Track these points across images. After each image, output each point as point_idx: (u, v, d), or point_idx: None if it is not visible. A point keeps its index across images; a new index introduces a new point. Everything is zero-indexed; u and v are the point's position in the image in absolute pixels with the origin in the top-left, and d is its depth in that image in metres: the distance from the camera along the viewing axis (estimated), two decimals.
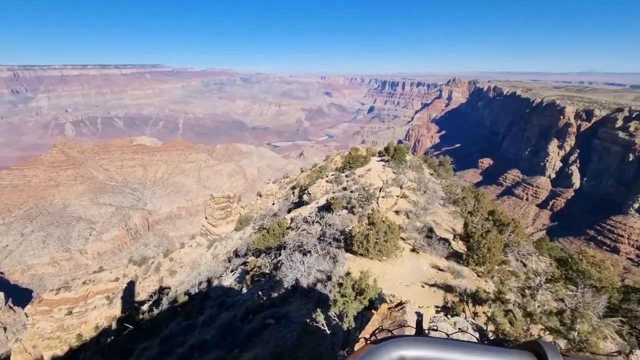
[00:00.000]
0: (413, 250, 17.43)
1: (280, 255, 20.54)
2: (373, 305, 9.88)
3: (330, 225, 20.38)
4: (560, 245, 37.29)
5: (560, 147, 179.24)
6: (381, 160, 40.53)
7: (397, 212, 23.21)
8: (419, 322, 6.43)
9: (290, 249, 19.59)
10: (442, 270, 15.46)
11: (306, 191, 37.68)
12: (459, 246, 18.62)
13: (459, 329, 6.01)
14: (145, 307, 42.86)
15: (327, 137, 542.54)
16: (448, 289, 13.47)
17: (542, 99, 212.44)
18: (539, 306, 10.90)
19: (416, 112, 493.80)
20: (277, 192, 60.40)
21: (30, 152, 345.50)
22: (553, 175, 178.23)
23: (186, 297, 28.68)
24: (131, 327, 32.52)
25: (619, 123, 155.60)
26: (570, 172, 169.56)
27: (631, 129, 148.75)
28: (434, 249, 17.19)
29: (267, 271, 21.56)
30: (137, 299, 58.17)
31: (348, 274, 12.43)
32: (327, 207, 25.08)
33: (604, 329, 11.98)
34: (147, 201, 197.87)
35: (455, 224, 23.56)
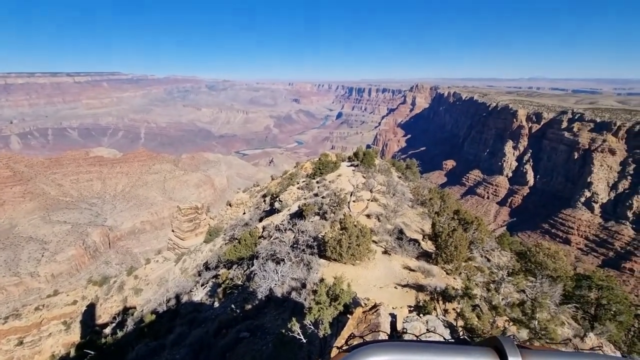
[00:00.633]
0: (385, 252, 17.79)
1: (252, 265, 20.09)
2: (348, 309, 9.92)
3: (303, 232, 20.28)
4: (519, 240, 39.82)
5: (515, 147, 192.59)
6: (351, 165, 41.18)
7: (368, 216, 23.62)
8: (393, 324, 6.55)
9: (263, 258, 19.23)
10: (413, 270, 15.90)
11: (277, 199, 37.33)
12: (428, 246, 19.29)
13: (427, 329, 6.24)
14: (108, 330, 39.94)
15: (297, 144, 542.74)
16: (420, 288, 13.87)
17: (497, 104, 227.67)
18: (503, 299, 11.52)
19: (383, 117, 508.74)
20: (248, 200, 59.28)
21: None
22: (510, 174, 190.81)
23: (153, 316, 27.09)
24: (92, 353, 30.08)
25: (564, 124, 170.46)
26: (524, 170, 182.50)
27: (575, 129, 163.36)
28: (405, 250, 17.65)
29: (240, 283, 20.98)
30: (99, 322, 54.13)
31: (322, 280, 12.41)
32: (299, 214, 24.99)
33: (561, 315, 12.90)
34: (107, 216, 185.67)
35: (424, 225, 24.40)
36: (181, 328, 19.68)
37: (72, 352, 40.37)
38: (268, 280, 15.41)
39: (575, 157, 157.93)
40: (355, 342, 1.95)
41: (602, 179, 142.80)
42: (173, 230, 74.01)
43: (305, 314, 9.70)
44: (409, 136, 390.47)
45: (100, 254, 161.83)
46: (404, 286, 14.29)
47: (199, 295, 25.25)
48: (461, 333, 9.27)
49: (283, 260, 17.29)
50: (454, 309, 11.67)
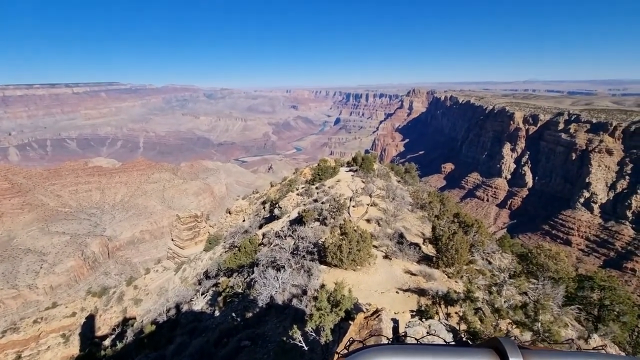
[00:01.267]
0: (386, 257, 17.71)
1: (253, 273, 19.97)
2: (350, 315, 9.84)
3: (303, 238, 20.20)
4: (520, 242, 39.75)
5: (512, 149, 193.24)
6: (350, 171, 41.22)
7: (368, 221, 23.57)
8: (395, 329, 6.50)
9: (263, 265, 19.12)
10: (414, 274, 15.81)
11: (277, 205, 37.26)
12: (429, 249, 19.21)
13: (427, 332, 6.21)
14: (107, 342, 39.52)
15: (296, 150, 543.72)
16: (421, 292, 13.78)
17: (494, 106, 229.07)
18: (505, 301, 11.44)
19: (380, 122, 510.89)
20: (247, 208, 59.15)
21: None
22: (509, 176, 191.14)
23: (153, 327, 26.81)
24: None
25: (561, 126, 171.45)
26: (523, 172, 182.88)
27: (571, 130, 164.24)
28: (405, 254, 17.57)
29: (240, 291, 20.82)
30: (98, 333, 53.49)
31: (323, 286, 12.33)
32: (299, 220, 24.92)
33: (564, 317, 12.80)
34: (106, 226, 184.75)
35: (424, 228, 24.34)
36: (181, 338, 19.49)
37: None
38: (269, 288, 15.30)
39: (573, 158, 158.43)
40: (355, 346, 2.00)
41: (600, 179, 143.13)
42: (172, 239, 73.63)
43: (307, 320, 9.61)
44: (407, 140, 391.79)
45: (99, 264, 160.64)
46: (406, 291, 14.19)
47: (199, 304, 25.03)
48: (464, 337, 9.20)
49: (283, 267, 17.20)
50: (456, 313, 11.58)
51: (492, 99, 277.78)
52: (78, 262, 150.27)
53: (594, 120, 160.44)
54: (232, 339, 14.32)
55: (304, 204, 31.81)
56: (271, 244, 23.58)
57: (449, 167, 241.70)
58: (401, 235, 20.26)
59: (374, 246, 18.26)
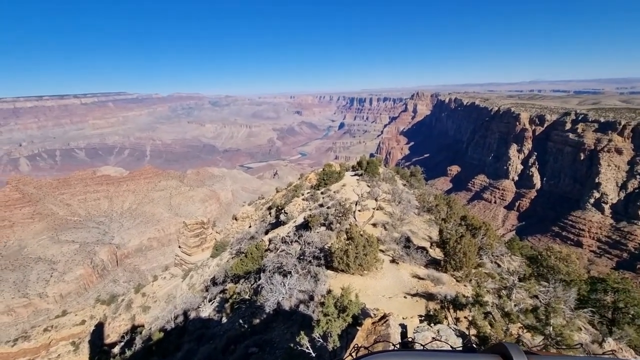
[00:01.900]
0: (393, 261, 17.57)
1: (260, 279, 19.95)
2: (357, 321, 9.75)
3: (309, 243, 20.16)
4: (530, 244, 39.16)
5: (519, 150, 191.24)
6: (355, 175, 41.17)
7: (374, 225, 23.45)
8: (403, 334, 6.42)
9: (270, 271, 19.09)
10: (422, 278, 15.64)
11: (283, 211, 37.30)
12: (437, 253, 19.02)
13: (433, 337, 6.13)
14: (116, 350, 39.66)
15: (301, 156, 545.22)
16: (429, 297, 13.62)
17: (499, 108, 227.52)
18: (515, 305, 11.25)
19: (385, 125, 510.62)
20: (253, 214, 59.28)
21: None
22: (516, 178, 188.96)
23: (161, 334, 26.86)
24: None
25: (568, 126, 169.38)
26: (530, 173, 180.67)
27: (579, 130, 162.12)
28: (412, 258, 17.41)
29: (247, 297, 20.79)
30: (107, 341, 53.74)
31: (330, 291, 12.26)
32: (305, 225, 24.89)
33: (577, 320, 12.52)
34: (114, 234, 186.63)
35: (431, 232, 24.13)
36: (189, 345, 19.49)
37: None
38: (275, 294, 15.26)
39: (582, 158, 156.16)
40: (362, 353, 2.00)
41: (610, 179, 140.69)
42: (180, 246, 74.05)
43: (314, 326, 9.55)
44: (412, 143, 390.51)
45: (108, 272, 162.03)
46: (414, 295, 14.04)
47: (207, 311, 25.04)
48: (474, 342, 9.04)
49: (290, 272, 17.15)
50: (465, 317, 11.41)
51: (497, 100, 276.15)
52: (87, 270, 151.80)
53: (602, 120, 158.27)
54: (239, 345, 14.28)
55: (310, 209, 31.79)
56: (277, 249, 23.56)
57: (455, 169, 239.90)
58: (408, 239, 20.10)
59: (380, 250, 18.15)
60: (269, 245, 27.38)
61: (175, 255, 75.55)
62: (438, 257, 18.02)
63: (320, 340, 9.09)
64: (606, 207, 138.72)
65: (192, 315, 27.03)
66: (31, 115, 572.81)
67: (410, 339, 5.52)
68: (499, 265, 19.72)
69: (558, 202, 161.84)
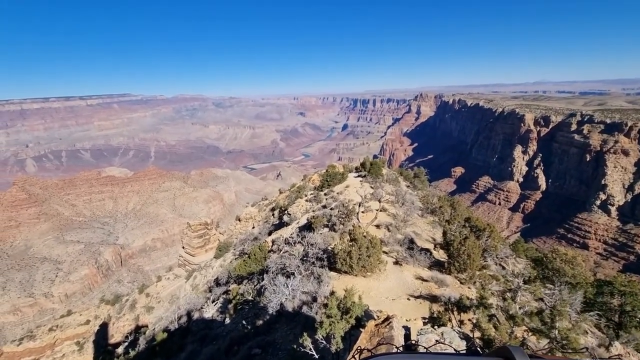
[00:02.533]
0: (396, 262, 17.49)
1: (263, 280, 19.96)
2: (360, 323, 9.71)
3: (312, 244, 20.14)
4: (535, 246, 38.83)
5: (524, 152, 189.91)
6: (358, 176, 41.09)
7: (377, 226, 23.38)
8: (407, 337, 6.38)
9: (273, 272, 19.09)
10: (426, 280, 15.55)
11: (286, 212, 37.31)
12: (440, 255, 18.91)
13: (436, 340, 6.09)
14: (120, 350, 39.87)
15: (304, 157, 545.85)
16: (433, 299, 13.53)
17: (504, 109, 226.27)
18: (520, 308, 11.15)
19: (388, 127, 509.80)
20: (257, 215, 59.38)
21: None
22: (521, 179, 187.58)
23: (165, 334, 26.95)
24: None
25: (574, 127, 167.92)
26: (535, 175, 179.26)
27: (585, 131, 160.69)
28: (416, 260, 17.32)
29: (250, 298, 20.80)
30: (111, 341, 54.08)
31: (333, 293, 12.23)
32: (308, 227, 24.87)
33: (583, 324, 12.38)
34: (118, 235, 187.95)
35: (435, 233, 24.00)
36: (193, 346, 19.54)
37: None
38: (278, 295, 15.25)
39: (588, 159, 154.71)
40: (364, 355, 2.01)
41: (617, 180, 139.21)
42: (183, 247, 74.36)
43: (317, 328, 9.53)
44: (415, 145, 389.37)
45: (112, 272, 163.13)
46: (417, 297, 13.96)
47: (210, 311, 25.10)
48: (478, 344, 8.97)
49: (293, 273, 17.14)
50: (469, 320, 11.32)
51: (502, 101, 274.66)
52: (92, 270, 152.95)
53: (608, 121, 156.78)
54: (242, 346, 14.29)
55: (313, 210, 31.78)
56: (280, 250, 23.57)
57: (459, 170, 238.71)
58: (411, 241, 20.01)
59: (384, 252, 18.08)
60: (272, 246, 27.40)
61: (179, 255, 75.91)
62: (442, 259, 17.92)
63: (323, 341, 9.07)
64: (612, 209, 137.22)
65: (196, 315, 27.10)
66: (38, 117, 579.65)
67: (413, 342, 5.49)
68: (503, 268, 19.57)
69: (563, 204, 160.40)
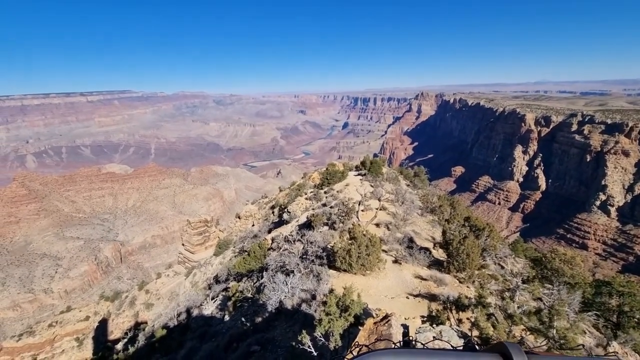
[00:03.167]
0: (395, 261, 17.53)
1: (262, 277, 20.01)
2: (359, 321, 9.75)
3: (311, 242, 20.18)
4: (534, 246, 38.87)
5: (524, 152, 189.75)
6: (358, 175, 41.10)
7: (377, 225, 23.41)
8: (405, 335, 6.41)
9: (272, 270, 19.13)
10: (425, 279, 15.60)
11: (286, 210, 37.35)
12: (440, 254, 18.95)
13: (434, 337, 6.10)
14: (119, 346, 40.00)
15: (304, 155, 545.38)
16: (432, 297, 13.58)
17: (504, 108, 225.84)
18: (518, 307, 11.19)
19: (389, 125, 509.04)
20: (257, 212, 59.43)
21: None
22: (521, 179, 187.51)
23: (164, 331, 27.05)
24: None
25: (574, 127, 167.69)
26: (535, 175, 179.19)
27: (585, 132, 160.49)
28: (415, 259, 17.36)
29: (249, 295, 20.87)
30: (111, 337, 54.22)
31: (332, 291, 12.26)
32: (308, 225, 24.90)
33: (581, 323, 12.42)
34: (118, 231, 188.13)
35: (434, 232, 24.04)
36: (192, 342, 19.61)
37: None
38: (278, 292, 15.29)
39: (588, 159, 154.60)
40: (362, 350, 2.00)
41: (617, 181, 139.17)
42: (183, 244, 74.47)
43: (316, 325, 9.57)
44: (416, 144, 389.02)
45: (112, 269, 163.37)
46: (416, 296, 14.01)
47: (210, 308, 25.17)
48: (475, 342, 9.00)
49: (292, 271, 17.18)
50: (468, 319, 11.37)
51: (503, 100, 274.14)
52: (92, 266, 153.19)
53: (609, 121, 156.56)
54: (241, 343, 14.34)
55: (313, 209, 31.81)
56: (280, 248, 23.61)
57: (459, 170, 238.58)
58: (411, 240, 20.05)
59: (383, 251, 18.12)
60: (271, 244, 27.45)
61: (179, 253, 76.03)
62: (441, 258, 17.95)
63: (322, 339, 9.11)
64: (612, 209, 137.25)
65: (195, 312, 27.18)
66: (38, 113, 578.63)
67: (412, 340, 5.52)
68: (502, 267, 19.61)
69: (563, 204, 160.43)
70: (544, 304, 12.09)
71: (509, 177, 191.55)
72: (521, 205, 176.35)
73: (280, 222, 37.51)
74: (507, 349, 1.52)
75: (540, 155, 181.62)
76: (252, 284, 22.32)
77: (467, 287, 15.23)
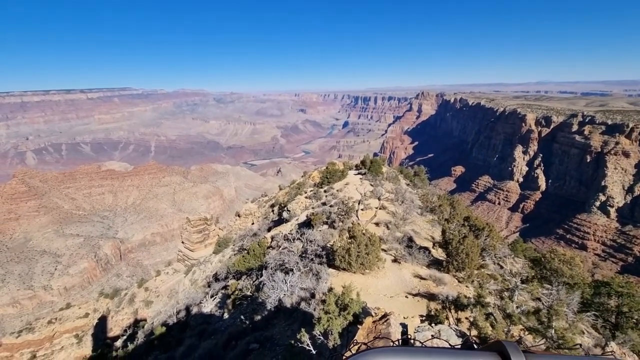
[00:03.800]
0: (395, 260, 17.55)
1: (261, 275, 20.02)
2: (358, 319, 9.76)
3: (311, 241, 20.18)
4: (533, 246, 38.90)
5: (524, 152, 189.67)
6: (358, 174, 41.10)
7: (377, 224, 23.43)
8: (404, 333, 6.41)
9: (271, 268, 19.14)
10: (424, 278, 15.61)
11: (286, 208, 37.36)
12: (439, 253, 18.97)
13: (432, 335, 6.11)
14: (118, 343, 40.02)
15: (304, 154, 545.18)
16: (431, 297, 13.59)
17: (505, 108, 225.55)
18: (517, 307, 11.20)
19: (389, 125, 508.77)
20: (256, 211, 59.45)
21: None
22: (521, 179, 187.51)
23: (163, 329, 27.06)
24: None
25: (575, 127, 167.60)
26: (535, 175, 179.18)
27: (586, 132, 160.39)
28: (415, 258, 17.38)
29: (249, 293, 20.89)
30: (110, 334, 54.32)
31: (331, 289, 12.28)
32: (308, 223, 24.92)
33: (580, 324, 12.44)
34: (118, 229, 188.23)
35: (434, 232, 24.05)
36: (191, 340, 19.62)
37: None
38: (277, 291, 15.31)
39: (588, 160, 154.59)
40: (361, 349, 2.00)
41: (617, 182, 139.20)
42: (183, 242, 74.52)
43: (315, 324, 9.58)
44: (416, 143, 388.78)
45: (111, 266, 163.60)
46: (415, 295, 14.02)
47: (209, 306, 25.20)
48: (474, 340, 9.00)
49: (292, 270, 17.20)
50: (466, 318, 11.38)
51: (503, 100, 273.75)
52: (91, 263, 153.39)
53: (610, 122, 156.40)
54: (240, 341, 14.36)
55: (313, 207, 31.81)
56: (280, 247, 23.62)
57: (459, 170, 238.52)
58: (410, 239, 20.06)
59: (382, 250, 18.13)
60: (271, 242, 27.47)
61: (178, 250, 76.09)
62: (440, 258, 17.97)
63: (321, 337, 9.12)
64: (612, 210, 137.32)
65: (194, 310, 27.21)
66: (38, 110, 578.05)
67: (410, 336, 5.52)
68: (501, 267, 19.63)
69: (563, 205, 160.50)
70: (542, 304, 12.11)
71: (509, 177, 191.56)
72: (521, 205, 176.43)
73: (280, 221, 37.54)
74: (504, 348, 1.52)
75: (541, 155, 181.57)
76: (252, 282, 22.35)
77: (466, 286, 15.25)
